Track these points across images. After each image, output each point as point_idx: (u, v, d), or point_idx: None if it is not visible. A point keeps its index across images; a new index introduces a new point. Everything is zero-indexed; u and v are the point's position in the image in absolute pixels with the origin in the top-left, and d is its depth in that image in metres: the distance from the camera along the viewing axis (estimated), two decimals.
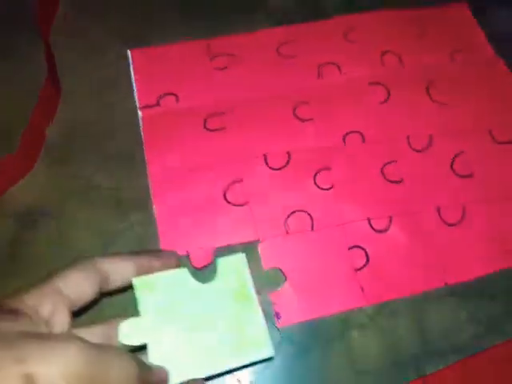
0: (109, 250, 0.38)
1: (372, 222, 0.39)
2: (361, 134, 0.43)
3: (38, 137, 0.40)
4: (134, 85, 0.44)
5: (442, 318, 0.38)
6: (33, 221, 0.38)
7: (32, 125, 0.39)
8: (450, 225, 0.40)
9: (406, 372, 0.36)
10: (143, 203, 0.39)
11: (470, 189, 0.41)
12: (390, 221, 0.40)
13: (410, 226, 0.40)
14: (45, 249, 0.37)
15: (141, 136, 0.42)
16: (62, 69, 0.45)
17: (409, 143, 0.43)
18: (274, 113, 0.43)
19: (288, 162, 0.41)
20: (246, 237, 0.38)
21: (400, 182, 0.41)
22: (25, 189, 0.39)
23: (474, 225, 0.40)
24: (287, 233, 0.38)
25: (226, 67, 0.45)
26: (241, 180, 0.40)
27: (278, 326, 0.36)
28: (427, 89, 0.46)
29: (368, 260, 0.38)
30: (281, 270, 0.37)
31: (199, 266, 0.36)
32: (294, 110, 0.43)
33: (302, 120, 0.43)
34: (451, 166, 0.42)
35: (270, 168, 0.40)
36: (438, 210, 0.40)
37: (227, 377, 0.35)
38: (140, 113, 0.43)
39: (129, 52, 0.46)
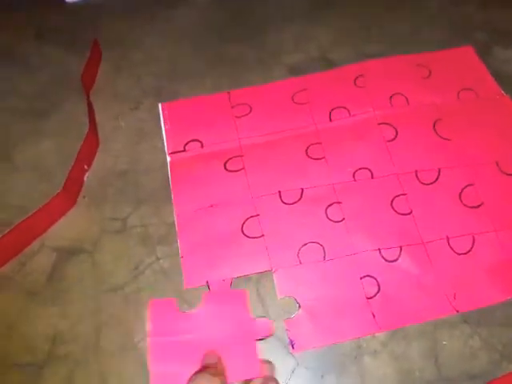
0: (137, 281, 0.41)
1: (382, 252, 0.41)
2: (369, 170, 0.46)
3: (78, 180, 0.46)
4: (164, 134, 0.49)
5: (456, 344, 0.39)
6: (71, 255, 0.43)
7: (74, 169, 0.45)
8: (460, 254, 0.41)
9: None
10: (168, 239, 0.43)
11: (479, 219, 0.43)
12: (400, 251, 0.42)
13: (420, 256, 0.41)
14: (77, 279, 0.42)
15: (168, 179, 0.46)
16: (101, 122, 0.51)
17: (417, 177, 0.45)
18: (288, 153, 0.47)
19: (301, 197, 0.44)
20: (261, 267, 0.41)
21: (409, 213, 0.43)
22: (65, 227, 0.45)
23: (483, 253, 0.41)
24: (300, 263, 0.41)
25: (245, 115, 0.50)
26: (257, 215, 0.43)
27: (293, 353, 0.38)
28: (434, 126, 0.49)
29: (379, 288, 0.40)
30: (294, 298, 0.40)
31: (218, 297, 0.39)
32: (307, 150, 0.47)
33: (315, 159, 0.46)
34: (459, 198, 0.44)
35: (284, 203, 0.44)
36: (448, 240, 0.42)
37: None
38: (168, 158, 0.48)
39: (159, 105, 0.52)
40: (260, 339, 0.33)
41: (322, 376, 0.38)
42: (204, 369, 0.30)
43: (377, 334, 0.39)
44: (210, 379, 0.29)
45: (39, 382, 0.38)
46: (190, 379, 0.29)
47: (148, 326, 0.32)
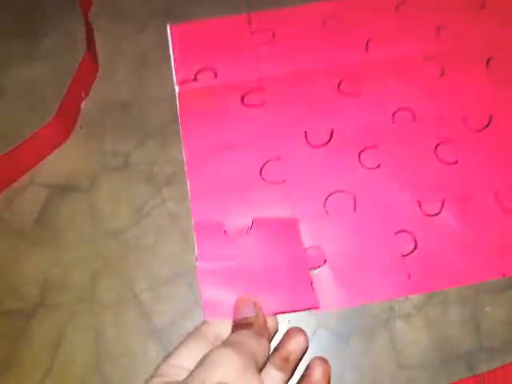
0: (140, 225, 0.36)
1: (422, 204, 0.36)
2: (411, 112, 0.40)
3: (74, 108, 0.40)
4: (172, 60, 0.43)
5: (500, 312, 0.34)
6: (64, 192, 0.38)
7: (68, 95, 0.39)
8: (510, 212, 0.36)
9: (457, 369, 0.33)
10: (176, 179, 0.38)
11: None
12: (443, 204, 0.36)
13: (465, 211, 0.36)
14: (73, 220, 0.37)
15: (177, 112, 0.40)
16: (100, 44, 0.44)
17: (465, 122, 0.39)
18: (316, 88, 0.40)
19: (330, 139, 0.38)
20: (282, 216, 0.36)
21: (455, 163, 0.38)
22: (59, 161, 0.39)
23: None
24: (327, 213, 0.36)
25: (267, 42, 0.43)
26: (278, 158, 0.37)
27: (316, 313, 0.34)
28: (487, 65, 0.42)
29: (416, 245, 0.35)
30: (320, 250, 0.35)
31: (233, 236, 0.34)
32: (339, 85, 0.41)
33: (348, 95, 0.40)
34: None
35: (311, 145, 0.38)
36: (496, 195, 0.37)
37: None
38: (177, 88, 0.41)
39: (168, 27, 0.45)
40: (313, 269, 0.33)
41: (347, 339, 0.34)
42: (246, 326, 0.27)
43: (411, 297, 0.34)
44: (258, 340, 0.26)
45: (29, 332, 0.34)
46: (237, 327, 0.28)
47: (196, 250, 0.32)
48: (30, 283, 0.35)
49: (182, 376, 0.25)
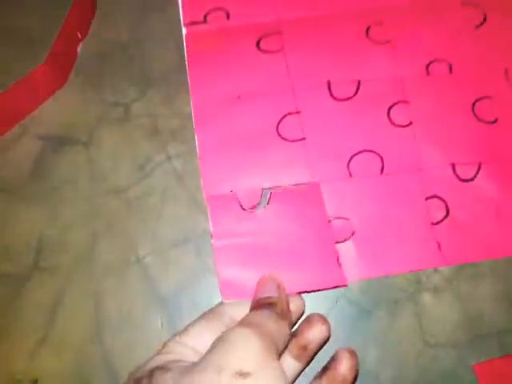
0: (143, 183, 0.33)
1: (457, 168, 0.32)
2: (448, 64, 0.35)
3: (69, 51, 0.36)
4: None
5: None
6: (60, 144, 0.34)
7: (63, 35, 0.34)
8: None
9: (488, 348, 0.30)
10: (183, 134, 0.34)
11: None
12: (479, 168, 0.33)
13: (503, 176, 0.33)
14: (70, 175, 0.33)
15: (184, 58, 0.36)
16: None
17: (507, 77, 0.35)
18: (342, 33, 0.36)
19: (357, 92, 0.34)
20: (299, 178, 0.32)
21: (494, 122, 0.34)
22: (55, 110, 0.35)
23: None
24: (351, 176, 0.32)
25: None
26: (298, 112, 0.33)
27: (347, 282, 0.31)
28: None
29: (448, 213, 0.32)
30: (344, 219, 0.31)
31: (249, 209, 0.31)
32: (368, 30, 0.36)
33: (377, 42, 0.35)
34: None
35: (334, 98, 0.34)
36: None
37: None
38: (184, 30, 0.37)
39: None
40: (339, 242, 0.30)
41: (370, 314, 0.31)
42: (267, 306, 0.25)
43: (440, 269, 0.31)
44: (278, 322, 0.24)
45: (22, 298, 0.31)
46: (257, 306, 0.25)
47: (210, 227, 0.30)
48: (24, 244, 0.32)
49: (189, 356, 0.23)
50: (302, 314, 0.29)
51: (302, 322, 0.28)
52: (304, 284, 0.29)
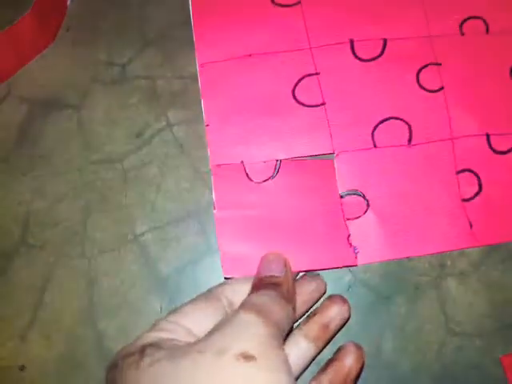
0: (140, 152, 0.30)
1: (492, 139, 0.29)
2: (484, 22, 0.31)
3: (58, 4, 0.32)
4: None
5: None
6: (48, 109, 0.31)
7: None
8: None
9: None
10: (186, 98, 0.31)
11: None
12: None
13: None
14: (59, 143, 0.30)
15: (188, 11, 0.32)
16: None
17: None
18: None
19: (383, 52, 0.30)
20: (318, 147, 0.29)
21: None
22: (43, 70, 0.32)
23: None
24: (375, 146, 0.29)
25: None
26: (317, 73, 0.30)
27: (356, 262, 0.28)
28: None
29: (481, 188, 0.29)
30: (362, 194, 0.28)
31: (258, 178, 0.28)
32: None
33: None
34: None
35: (358, 58, 0.30)
36: None
37: None
38: None
39: None
40: (349, 219, 0.28)
41: (389, 299, 0.28)
42: (271, 287, 0.23)
43: (467, 252, 0.29)
44: (283, 306, 0.22)
45: (9, 276, 0.28)
46: (257, 287, 0.23)
47: (213, 197, 0.28)
48: (9, 219, 0.29)
49: (183, 337, 0.21)
50: (323, 294, 0.27)
51: (322, 302, 0.26)
52: (311, 262, 0.27)
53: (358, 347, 0.24)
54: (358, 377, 0.24)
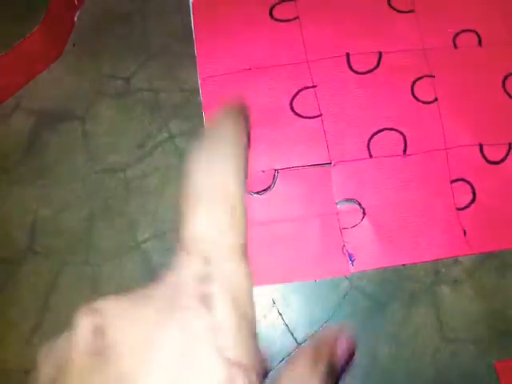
0: (143, 163, 0.31)
1: (485, 149, 0.30)
2: (477, 34, 0.32)
3: (65, 19, 0.33)
4: None
5: None
6: (55, 120, 0.32)
7: (58, 2, 0.31)
8: None
9: (510, 345, 0.28)
10: (187, 110, 0.32)
11: None
12: (509, 149, 0.30)
13: None
14: (65, 153, 0.31)
15: (189, 27, 0.33)
16: None
17: None
18: (362, 0, 0.32)
19: (378, 65, 0.31)
20: (315, 157, 0.30)
21: None
22: (50, 83, 0.33)
23: None
24: (371, 156, 0.29)
25: None
26: (314, 86, 0.31)
27: (350, 272, 0.28)
28: None
29: (475, 197, 0.29)
30: (358, 202, 0.29)
31: (256, 189, 0.29)
32: None
33: (400, 11, 0.32)
34: None
35: (354, 71, 0.31)
36: None
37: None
38: None
39: None
40: (345, 228, 0.28)
41: (384, 306, 0.29)
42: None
43: (461, 259, 0.29)
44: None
45: (15, 283, 0.29)
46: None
47: None
48: (17, 227, 0.30)
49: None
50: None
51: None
52: (306, 272, 0.28)
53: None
54: (345, 364, 0.22)
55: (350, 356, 0.20)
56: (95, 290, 0.29)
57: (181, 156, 0.31)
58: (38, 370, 0.14)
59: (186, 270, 0.12)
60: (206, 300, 0.12)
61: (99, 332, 0.13)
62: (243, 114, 0.17)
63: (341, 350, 0.19)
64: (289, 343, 0.28)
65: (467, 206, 0.29)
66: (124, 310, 0.13)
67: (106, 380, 0.12)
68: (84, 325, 0.13)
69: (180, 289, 0.12)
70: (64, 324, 0.26)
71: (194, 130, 0.31)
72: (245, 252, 0.13)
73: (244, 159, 0.14)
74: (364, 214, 0.29)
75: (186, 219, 0.12)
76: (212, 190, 0.13)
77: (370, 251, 0.28)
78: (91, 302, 0.13)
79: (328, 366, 0.19)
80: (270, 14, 0.32)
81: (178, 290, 0.12)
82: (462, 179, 0.29)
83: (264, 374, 0.14)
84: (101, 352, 0.12)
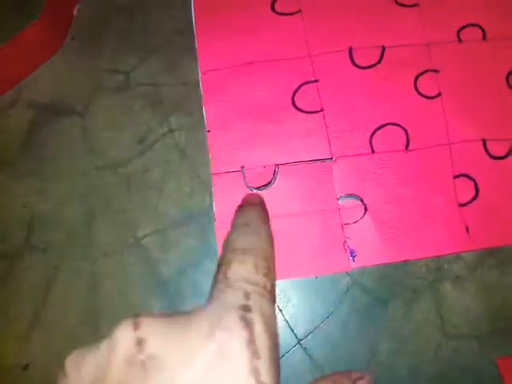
0: (143, 157, 0.30)
1: (488, 144, 0.29)
2: (481, 29, 0.32)
3: (64, 12, 0.33)
4: None
5: None
6: (54, 114, 0.31)
7: None
8: None
9: None
10: (188, 104, 0.31)
11: None
12: None
13: None
14: (64, 147, 0.31)
15: (191, 21, 0.33)
16: None
17: None
18: None
19: (381, 59, 0.31)
20: (317, 152, 0.29)
21: None
22: (49, 77, 0.32)
23: None
24: (373, 152, 0.29)
25: None
26: (316, 80, 0.30)
27: (351, 268, 0.28)
28: None
29: (477, 193, 0.29)
30: (360, 198, 0.29)
31: (256, 184, 0.28)
32: None
33: (404, 5, 0.32)
34: None
35: (356, 66, 0.31)
36: None
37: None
38: None
39: None
40: (347, 224, 0.28)
41: (386, 303, 0.28)
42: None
43: (463, 256, 0.29)
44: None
45: (13, 278, 0.29)
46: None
47: (214, 207, 0.28)
48: (14, 221, 0.30)
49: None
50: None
51: None
52: (307, 268, 0.28)
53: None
54: None
55: None
56: (94, 285, 0.28)
57: (181, 150, 0.30)
58: (66, 375, 0.15)
59: (230, 301, 0.15)
60: (246, 320, 0.14)
61: (141, 344, 0.14)
62: (262, 204, 0.21)
63: None
64: (289, 339, 0.28)
65: (470, 202, 0.29)
66: (166, 328, 0.14)
67: None
68: (126, 336, 0.14)
69: (223, 313, 0.14)
70: (62, 319, 0.26)
71: (195, 124, 0.31)
72: (274, 293, 0.17)
73: (271, 235, 0.19)
74: (366, 209, 0.28)
75: (233, 265, 0.16)
76: (255, 248, 0.17)
77: (371, 247, 0.28)
78: (135, 316, 0.14)
79: None
80: (272, 7, 0.32)
81: (220, 314, 0.14)
82: (465, 175, 0.29)
83: None
84: (141, 364, 0.13)
